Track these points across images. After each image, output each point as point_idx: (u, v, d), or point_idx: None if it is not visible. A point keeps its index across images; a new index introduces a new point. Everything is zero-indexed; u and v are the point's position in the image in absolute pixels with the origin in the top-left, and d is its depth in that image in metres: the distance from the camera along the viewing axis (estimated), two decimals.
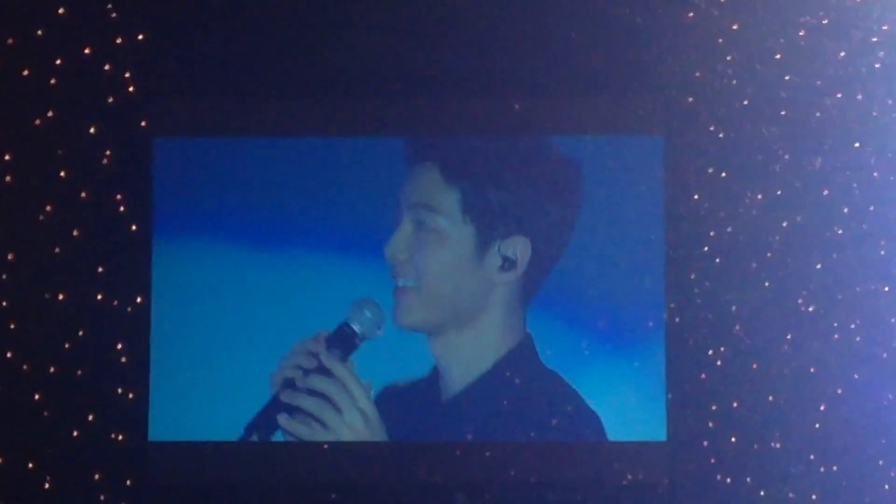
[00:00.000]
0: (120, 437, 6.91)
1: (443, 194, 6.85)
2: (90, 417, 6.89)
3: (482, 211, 6.83)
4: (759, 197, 6.80)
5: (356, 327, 6.77)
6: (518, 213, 6.86)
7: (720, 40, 6.80)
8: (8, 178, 6.94)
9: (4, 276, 6.92)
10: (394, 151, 7.03)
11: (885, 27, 6.77)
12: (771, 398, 6.77)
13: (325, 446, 6.86)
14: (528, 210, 6.87)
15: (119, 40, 6.96)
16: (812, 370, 6.76)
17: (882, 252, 6.76)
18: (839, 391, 6.73)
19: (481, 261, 6.85)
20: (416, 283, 6.84)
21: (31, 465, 6.87)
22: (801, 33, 6.77)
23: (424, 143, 6.99)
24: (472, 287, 6.88)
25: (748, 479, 6.75)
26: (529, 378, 6.87)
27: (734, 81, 6.81)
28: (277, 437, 6.85)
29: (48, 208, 6.95)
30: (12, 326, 6.91)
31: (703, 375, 6.81)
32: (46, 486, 6.87)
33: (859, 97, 6.76)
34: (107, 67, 6.97)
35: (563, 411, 6.85)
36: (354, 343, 6.79)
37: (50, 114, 6.96)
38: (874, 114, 6.75)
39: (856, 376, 6.72)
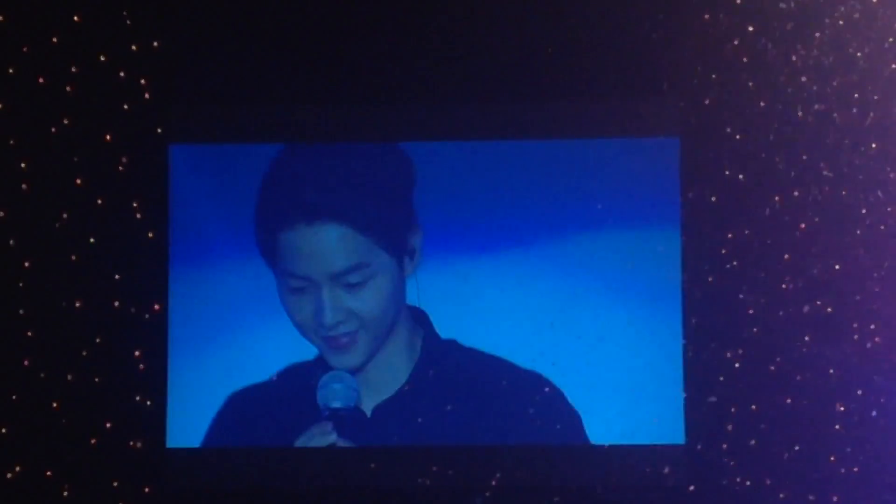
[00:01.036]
0: (138, 445, 6.91)
1: (367, 249, 6.84)
2: (108, 425, 6.89)
3: (397, 233, 6.88)
4: (776, 199, 6.79)
5: (338, 405, 6.83)
6: (408, 210, 6.93)
7: (736, 42, 6.80)
8: (24, 186, 6.95)
9: (21, 284, 6.92)
10: (413, 155, 7.04)
11: None
12: (789, 400, 6.76)
13: (342, 452, 6.89)
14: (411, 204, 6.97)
15: (134, 47, 6.97)
16: (830, 371, 6.75)
17: None
18: (858, 392, 6.72)
19: (403, 267, 6.92)
20: (362, 324, 6.88)
21: (49, 473, 6.87)
22: (816, 35, 6.77)
23: (320, 203, 6.90)
24: (400, 293, 6.94)
25: (767, 482, 6.74)
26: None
27: (750, 83, 6.80)
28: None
29: (64, 215, 6.95)
30: (29, 334, 6.91)
31: (720, 378, 6.80)
32: (65, 493, 6.87)
33: (876, 98, 6.76)
34: (122, 74, 6.98)
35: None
36: (345, 415, 6.85)
37: (65, 121, 6.96)
38: (892, 115, 6.75)
39: (874, 377, 6.71)
